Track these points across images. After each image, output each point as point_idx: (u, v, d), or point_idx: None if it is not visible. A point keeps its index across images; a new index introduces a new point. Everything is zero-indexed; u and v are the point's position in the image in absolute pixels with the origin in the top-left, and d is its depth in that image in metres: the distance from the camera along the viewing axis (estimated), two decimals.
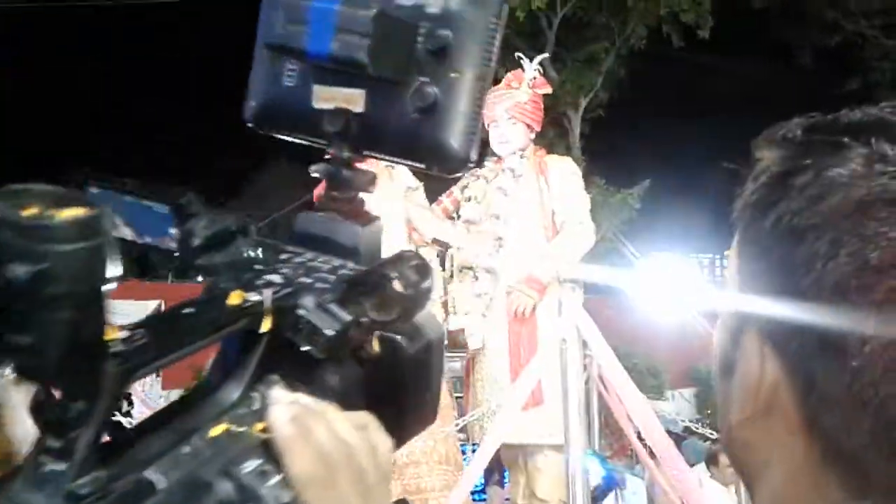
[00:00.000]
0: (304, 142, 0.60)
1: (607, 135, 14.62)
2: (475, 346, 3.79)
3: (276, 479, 0.50)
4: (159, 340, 0.47)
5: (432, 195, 3.99)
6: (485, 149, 4.13)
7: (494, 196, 3.94)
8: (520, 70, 4.01)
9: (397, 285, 0.54)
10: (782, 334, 0.49)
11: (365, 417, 0.55)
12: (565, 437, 2.92)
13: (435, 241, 3.82)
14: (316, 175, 0.59)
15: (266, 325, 0.52)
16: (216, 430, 0.51)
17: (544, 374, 3.22)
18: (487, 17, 0.55)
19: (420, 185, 3.82)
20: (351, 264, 0.56)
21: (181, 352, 0.48)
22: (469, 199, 4.07)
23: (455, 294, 3.85)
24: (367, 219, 0.59)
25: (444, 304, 3.82)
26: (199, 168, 16.53)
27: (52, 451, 0.44)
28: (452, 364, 4.60)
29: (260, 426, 0.52)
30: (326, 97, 0.56)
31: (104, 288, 0.44)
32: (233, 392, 0.52)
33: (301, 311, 0.52)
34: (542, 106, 4.09)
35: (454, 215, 4.04)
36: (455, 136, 0.56)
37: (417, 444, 3.38)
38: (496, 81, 4.46)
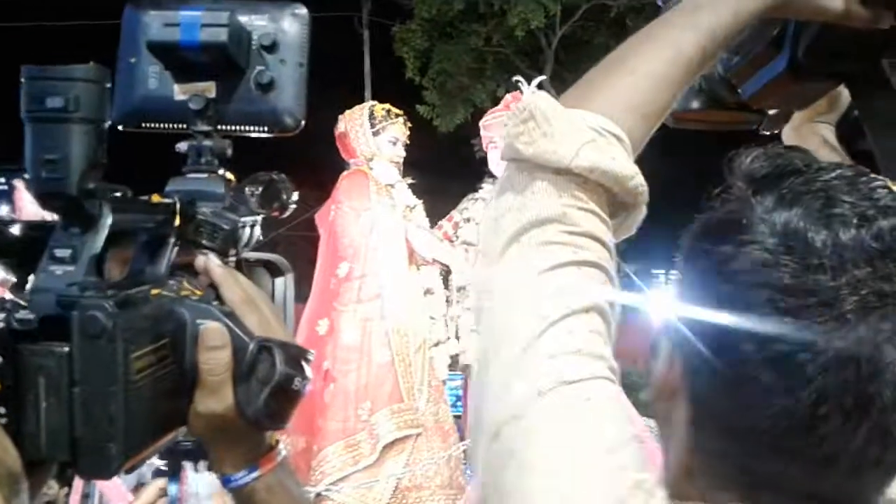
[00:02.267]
0: (164, 130, 0.77)
1: None
2: (467, 362, 3.81)
3: (216, 302, 0.67)
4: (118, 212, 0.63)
5: (430, 214, 4.00)
6: (482, 168, 4.16)
7: None
8: (518, 92, 4.04)
9: (277, 185, 0.77)
10: (683, 346, 0.61)
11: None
12: None
13: (436, 261, 3.83)
14: (181, 149, 0.75)
15: (177, 221, 0.68)
16: (155, 291, 0.63)
17: None
18: (301, 24, 0.76)
19: (418, 203, 3.83)
20: (220, 205, 0.74)
21: (132, 217, 0.66)
22: (468, 221, 4.09)
23: (455, 315, 3.86)
24: (222, 175, 0.77)
25: (446, 326, 3.84)
26: None
27: (61, 260, 0.59)
28: (452, 383, 4.60)
29: (185, 292, 0.66)
30: (185, 90, 0.74)
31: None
32: (157, 273, 0.67)
33: (200, 216, 0.71)
34: None
35: (454, 237, 4.06)
36: (290, 105, 0.75)
37: (418, 468, 3.39)
38: (496, 102, 4.47)
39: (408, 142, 3.82)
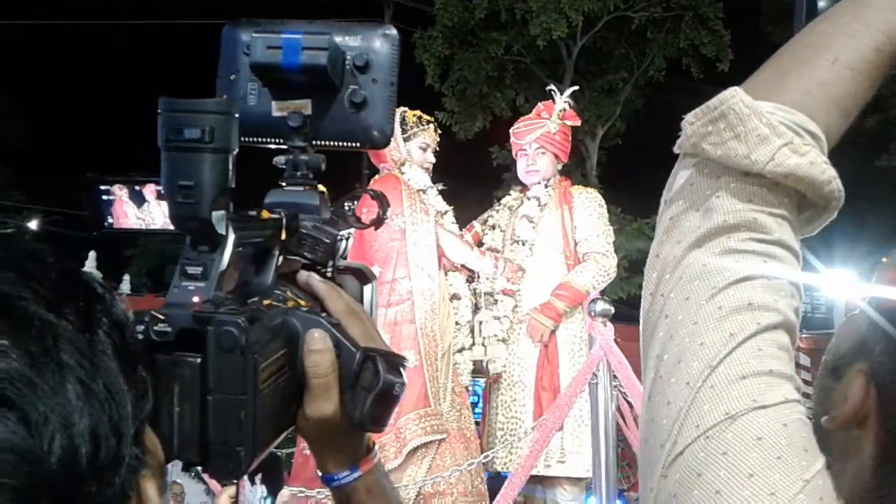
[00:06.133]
0: (262, 144, 0.81)
1: (624, 163, 14.65)
2: (495, 371, 3.82)
3: (323, 314, 0.71)
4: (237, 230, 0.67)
5: (459, 220, 4.02)
6: (499, 175, 4.17)
7: (519, 224, 3.98)
8: (550, 101, 4.06)
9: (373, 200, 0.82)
10: (890, 391, 0.61)
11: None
12: (594, 473, 2.92)
13: (464, 266, 3.84)
14: (279, 163, 0.79)
15: (283, 235, 0.72)
16: (266, 302, 0.68)
17: (565, 405, 3.23)
18: (391, 45, 0.80)
19: (449, 209, 3.86)
20: (317, 216, 0.78)
21: (250, 235, 0.69)
22: (493, 228, 4.10)
23: (480, 321, 3.87)
24: (318, 188, 0.81)
25: (472, 331, 3.85)
26: None
27: (193, 276, 0.63)
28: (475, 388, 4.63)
29: (290, 302, 0.70)
30: (282, 108, 0.78)
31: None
32: (265, 283, 0.71)
33: (303, 229, 0.75)
34: (570, 137, 4.14)
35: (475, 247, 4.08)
36: (381, 123, 0.79)
37: (441, 474, 3.39)
38: (514, 110, 4.49)
39: (437, 148, 3.85)
